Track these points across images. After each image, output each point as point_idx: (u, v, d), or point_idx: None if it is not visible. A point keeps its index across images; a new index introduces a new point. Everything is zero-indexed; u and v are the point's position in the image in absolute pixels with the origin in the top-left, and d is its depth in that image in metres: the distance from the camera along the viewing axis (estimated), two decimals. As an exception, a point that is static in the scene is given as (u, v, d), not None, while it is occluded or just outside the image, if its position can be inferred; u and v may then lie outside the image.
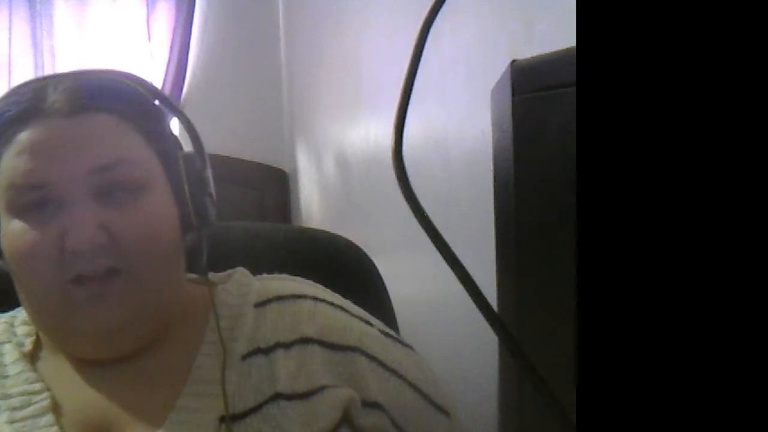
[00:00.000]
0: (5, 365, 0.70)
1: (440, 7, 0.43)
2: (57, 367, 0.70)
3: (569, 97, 0.43)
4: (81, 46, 2.62)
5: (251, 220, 2.61)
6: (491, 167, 0.77)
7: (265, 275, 0.79)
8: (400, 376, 0.73)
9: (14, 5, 2.56)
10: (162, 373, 0.69)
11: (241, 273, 0.77)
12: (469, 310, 0.43)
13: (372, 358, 0.72)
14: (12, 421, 0.65)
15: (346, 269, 0.89)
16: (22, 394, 0.67)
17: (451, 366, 1.17)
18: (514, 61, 0.71)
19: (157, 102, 0.72)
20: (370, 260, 0.91)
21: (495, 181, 0.76)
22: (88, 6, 2.63)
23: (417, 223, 0.42)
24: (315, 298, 0.74)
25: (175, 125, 0.75)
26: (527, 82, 0.69)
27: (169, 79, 2.69)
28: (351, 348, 0.72)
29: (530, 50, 0.74)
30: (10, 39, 2.56)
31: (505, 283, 0.74)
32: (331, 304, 0.75)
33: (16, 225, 0.65)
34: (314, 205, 2.43)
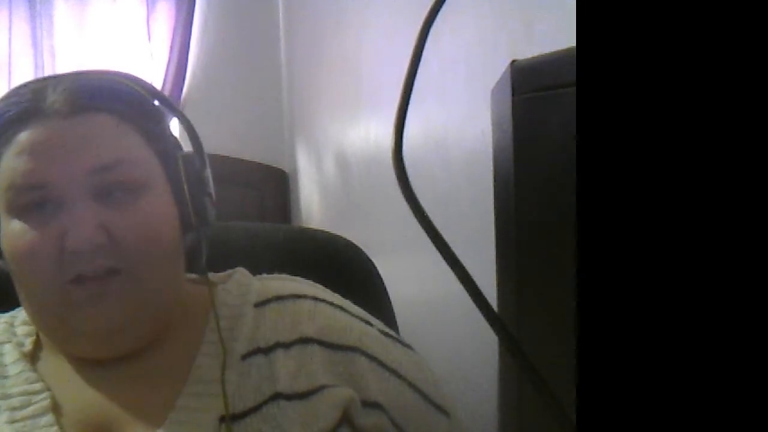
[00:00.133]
0: (5, 365, 0.70)
1: (440, 7, 0.43)
2: (57, 367, 0.70)
3: (569, 97, 0.43)
4: (81, 46, 2.62)
5: (251, 220, 2.60)
6: (491, 167, 0.77)
7: (264, 275, 0.79)
8: (400, 376, 0.73)
9: (14, 5, 2.56)
10: (162, 372, 0.69)
11: (240, 273, 0.77)
12: (469, 310, 0.43)
13: (372, 358, 0.72)
14: (12, 421, 0.65)
15: (346, 269, 0.89)
16: (22, 394, 0.67)
17: (451, 366, 1.17)
18: (514, 61, 0.71)
19: (156, 102, 0.72)
20: (370, 260, 0.91)
21: (495, 181, 0.76)
22: (88, 6, 2.63)
23: (417, 223, 0.42)
24: (315, 298, 0.74)
25: (175, 126, 0.75)
26: (527, 82, 0.69)
27: (169, 79, 2.69)
28: (351, 348, 0.72)
29: (530, 50, 0.74)
30: (10, 39, 2.56)
31: (505, 283, 0.74)
32: (331, 304, 0.75)
33: (16, 225, 0.65)
34: (314, 205, 2.43)
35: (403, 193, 0.42)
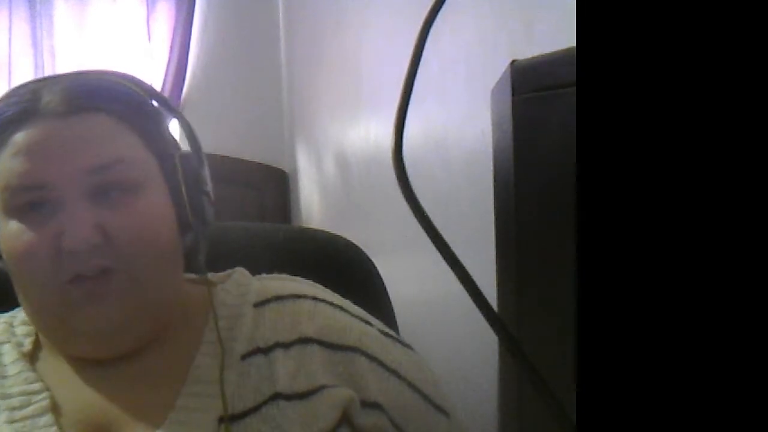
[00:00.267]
0: (5, 365, 0.70)
1: (440, 7, 0.43)
2: (56, 367, 0.70)
3: (569, 97, 0.43)
4: (81, 46, 2.62)
5: (251, 220, 2.61)
6: (491, 167, 0.77)
7: (264, 275, 0.79)
8: (399, 376, 0.73)
9: (14, 5, 2.56)
10: (161, 373, 0.69)
11: (240, 273, 0.77)
12: (469, 310, 0.43)
13: (372, 358, 0.72)
14: (11, 421, 0.65)
15: (346, 269, 0.89)
16: (21, 394, 0.67)
17: (451, 366, 1.17)
18: (514, 61, 0.71)
19: (154, 102, 0.72)
20: (370, 260, 0.91)
21: (495, 181, 0.76)
22: (88, 6, 2.63)
23: (417, 223, 0.42)
24: (314, 298, 0.74)
25: (174, 126, 0.75)
26: (527, 82, 0.69)
27: (169, 79, 2.69)
28: (350, 348, 0.72)
29: (530, 50, 0.74)
30: (10, 39, 2.56)
31: (505, 283, 0.74)
32: (331, 304, 0.75)
33: (14, 226, 0.65)
34: (314, 205, 2.43)
35: (403, 193, 0.42)
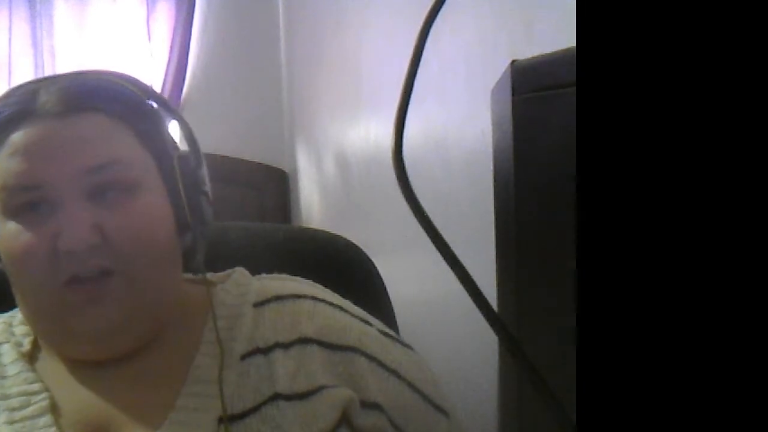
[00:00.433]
0: (4, 365, 0.70)
1: (440, 7, 0.42)
2: (56, 367, 0.70)
3: (569, 97, 0.43)
4: (81, 46, 2.62)
5: (251, 220, 2.61)
6: (491, 167, 0.77)
7: (264, 275, 0.79)
8: (399, 377, 0.73)
9: (14, 5, 2.57)
10: (161, 373, 0.69)
11: (239, 273, 0.77)
12: (469, 310, 0.43)
13: (371, 358, 0.72)
14: (11, 422, 0.65)
15: (346, 269, 0.89)
16: (20, 394, 0.67)
17: (451, 366, 1.17)
18: (514, 61, 0.71)
19: (152, 102, 0.72)
20: (370, 260, 0.91)
21: (495, 181, 0.76)
22: (88, 6, 2.63)
23: (417, 223, 0.42)
24: (314, 298, 0.74)
25: (174, 126, 0.75)
26: (527, 82, 0.69)
27: (169, 79, 2.69)
28: (350, 348, 0.72)
29: (530, 50, 0.74)
30: (10, 39, 2.56)
31: (505, 283, 0.74)
32: (331, 304, 0.75)
33: (11, 226, 0.65)
34: (314, 205, 2.43)
35: (403, 193, 0.42)
